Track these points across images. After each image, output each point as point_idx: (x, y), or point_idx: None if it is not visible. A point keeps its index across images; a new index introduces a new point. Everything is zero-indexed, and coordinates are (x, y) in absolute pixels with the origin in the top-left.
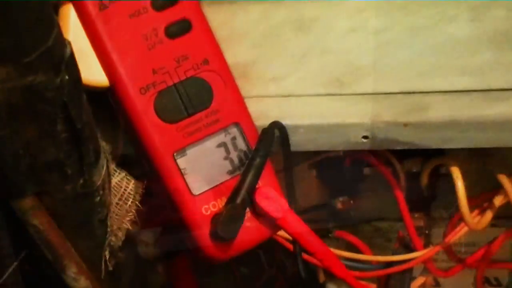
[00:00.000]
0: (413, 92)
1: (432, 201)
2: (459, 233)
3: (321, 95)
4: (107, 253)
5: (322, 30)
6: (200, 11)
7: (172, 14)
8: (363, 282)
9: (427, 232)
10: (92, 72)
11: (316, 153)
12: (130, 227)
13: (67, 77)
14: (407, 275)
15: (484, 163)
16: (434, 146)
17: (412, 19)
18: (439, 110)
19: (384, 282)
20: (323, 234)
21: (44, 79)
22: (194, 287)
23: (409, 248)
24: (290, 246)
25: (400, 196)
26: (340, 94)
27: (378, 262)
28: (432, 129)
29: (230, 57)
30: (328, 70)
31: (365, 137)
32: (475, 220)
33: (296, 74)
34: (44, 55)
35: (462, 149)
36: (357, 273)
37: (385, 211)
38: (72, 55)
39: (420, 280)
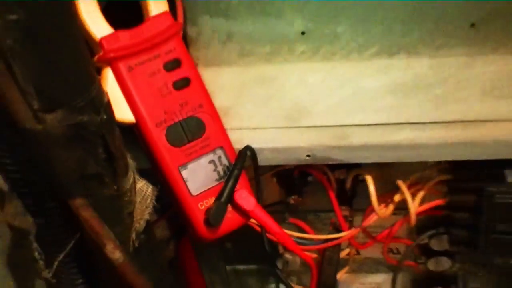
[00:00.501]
0: (341, 125)
1: (354, 198)
2: (371, 219)
3: (279, 128)
4: (133, 235)
5: (279, 84)
6: (197, 71)
7: (177, 74)
8: (308, 253)
9: (350, 219)
10: (123, 113)
11: (276, 166)
12: (148, 218)
13: (105, 116)
14: (338, 248)
15: (387, 172)
16: (355, 161)
17: (340, 74)
18: (358, 138)
19: (322, 253)
20: (281, 221)
21: (89, 119)
22: (194, 261)
23: (338, 230)
24: (258, 229)
25: (332, 195)
26: (292, 127)
27: (318, 240)
28: (353, 150)
29: (216, 102)
30: (283, 110)
31: (308, 155)
32: (382, 211)
33: (261, 114)
34: (89, 102)
35: (373, 163)
36: (304, 247)
37: (322, 205)
38: (108, 101)
39: (346, 251)
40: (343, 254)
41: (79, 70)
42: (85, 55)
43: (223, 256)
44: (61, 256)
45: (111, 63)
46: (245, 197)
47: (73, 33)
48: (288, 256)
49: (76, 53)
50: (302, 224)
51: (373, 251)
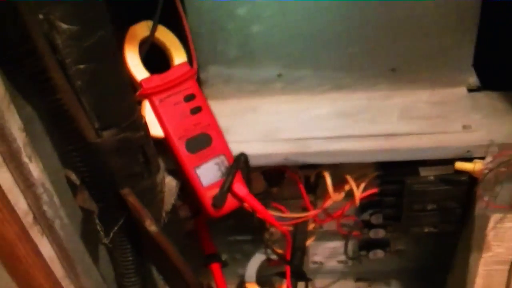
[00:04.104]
0: (305, 138)
1: (316, 188)
2: (329, 203)
3: (263, 141)
4: (164, 214)
5: (263, 111)
6: (206, 102)
7: (193, 103)
8: (284, 226)
9: (314, 203)
10: (155, 130)
11: (262, 167)
12: (174, 202)
13: (143, 133)
14: (306, 223)
15: (339, 170)
16: (315, 163)
17: (304, 103)
18: (316, 147)
19: (295, 226)
20: (266, 205)
21: (133, 134)
22: (208, 234)
23: (306, 210)
24: (250, 210)
25: (301, 187)
26: (271, 140)
27: (292, 217)
28: (314, 155)
29: (220, 123)
30: (265, 128)
31: (284, 159)
32: (336, 197)
33: (251, 131)
34: (132, 123)
35: (329, 164)
36: (282, 222)
37: (295, 194)
38: (145, 122)
39: (312, 225)
40: (309, 227)
41: (125, 101)
42: (129, 91)
43: (225, 228)
44: (115, 228)
45: (148, 97)
46: (240, 188)
47: (121, 76)
48: (272, 229)
49: (123, 89)
50: (281, 207)
51: (330, 225)
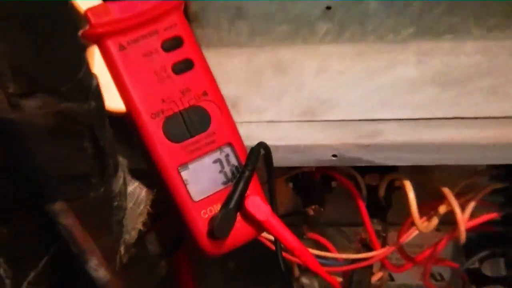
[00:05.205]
0: (372, 120)
1: (388, 209)
2: (410, 235)
3: (297, 121)
4: (122, 248)
5: (296, 71)
6: (201, 52)
7: (178, 55)
8: (332, 275)
9: (383, 235)
10: (112, 101)
11: (292, 169)
12: (141, 228)
13: (94, 104)
14: (368, 270)
15: (429, 178)
16: (389, 164)
17: (371, 60)
18: (393, 135)
19: (348, 276)
20: (297, 235)
21: (75, 106)
22: (191, 279)
23: (369, 248)
24: (271, 246)
25: (362, 205)
26: (313, 121)
27: (344, 260)
28: (387, 150)
29: (224, 90)
30: (301, 102)
31: (334, 155)
32: (423, 225)
33: (275, 106)
34: (76, 86)
35: (411, 166)
36: (326, 268)
37: (349, 217)
38: (98, 86)
39: (378, 275)
40: (374, 278)
41: (63, 48)
42: (71, 31)
43: (225, 277)
44: (32, 274)
45: (99, 40)
46: (257, 205)
47: (57, 5)
48: (305, 280)
49: (59, 27)
50: (323, 240)
51: (411, 276)
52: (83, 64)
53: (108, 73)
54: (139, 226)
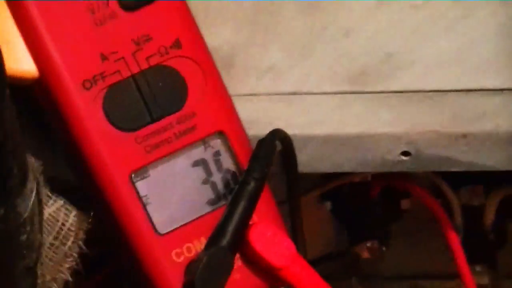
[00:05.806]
0: (472, 90)
1: (501, 248)
2: None
3: (339, 94)
4: None
5: (339, 5)
6: None
7: None
8: None
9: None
10: (17, 60)
11: (332, 177)
12: (69, 278)
13: None
14: None
15: None
16: (503, 169)
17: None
18: (508, 118)
19: None
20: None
21: None
22: None
23: None
24: None
25: (455, 240)
26: (366, 92)
27: None
28: (501, 143)
29: (210, 40)
30: (347, 59)
31: (404, 153)
32: None
33: (301, 65)
34: None
35: None
36: None
37: (431, 263)
38: None
39: None
40: None
41: None
42: None
43: None
44: None
45: None
46: (271, 240)
47: None
48: None
49: None
50: None
51: None
52: None
53: (10, 15)
54: (65, 275)
